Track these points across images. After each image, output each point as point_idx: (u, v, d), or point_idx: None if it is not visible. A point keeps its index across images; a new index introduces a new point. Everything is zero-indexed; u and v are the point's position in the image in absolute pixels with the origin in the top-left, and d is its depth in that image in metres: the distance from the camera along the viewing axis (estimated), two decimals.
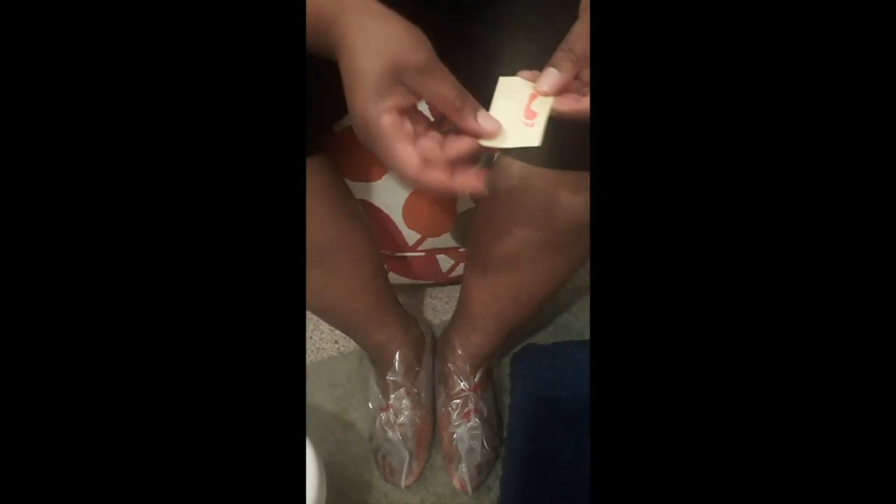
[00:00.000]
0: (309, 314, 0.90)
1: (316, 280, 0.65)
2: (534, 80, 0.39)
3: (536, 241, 0.60)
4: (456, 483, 0.78)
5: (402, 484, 0.78)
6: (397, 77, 0.36)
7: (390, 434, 0.79)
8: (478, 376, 0.81)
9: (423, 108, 0.66)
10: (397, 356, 0.80)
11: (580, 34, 0.39)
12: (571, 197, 0.54)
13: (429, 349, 0.86)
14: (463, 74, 0.39)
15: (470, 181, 0.37)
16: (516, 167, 0.56)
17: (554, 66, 0.38)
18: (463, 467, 0.78)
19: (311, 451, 0.60)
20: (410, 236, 0.82)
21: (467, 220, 0.78)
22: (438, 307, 1.00)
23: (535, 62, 0.40)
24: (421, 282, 0.95)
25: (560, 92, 0.38)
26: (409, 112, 0.38)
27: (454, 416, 0.80)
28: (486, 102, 0.40)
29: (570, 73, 0.38)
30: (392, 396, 0.81)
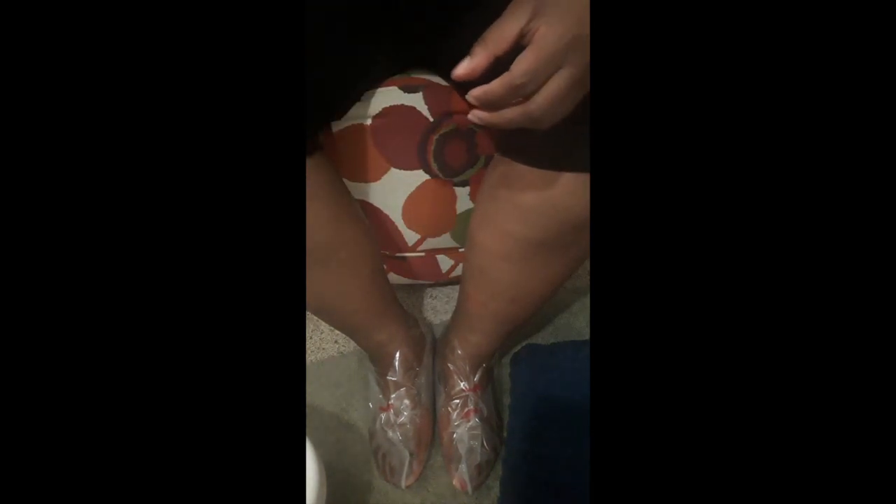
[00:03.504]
0: (309, 314, 0.90)
1: (316, 280, 0.65)
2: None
3: (535, 241, 0.60)
4: (456, 483, 0.79)
5: (403, 484, 0.78)
6: None
7: (390, 434, 0.79)
8: (477, 376, 0.81)
9: (422, 108, 0.66)
10: (397, 356, 0.80)
11: (497, 26, 0.39)
12: (570, 197, 0.54)
13: (429, 349, 0.86)
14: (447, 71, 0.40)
15: None
16: (515, 168, 0.56)
17: (469, 55, 0.39)
18: (463, 467, 0.78)
19: (311, 451, 0.60)
20: (410, 236, 0.82)
21: (467, 220, 0.78)
22: (438, 307, 1.00)
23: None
24: (421, 282, 0.95)
25: (470, 76, 0.39)
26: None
27: (454, 415, 0.80)
28: None
29: (482, 57, 0.38)
30: (392, 396, 0.81)
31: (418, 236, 0.82)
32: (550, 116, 0.41)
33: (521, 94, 0.39)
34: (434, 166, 0.72)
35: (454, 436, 0.79)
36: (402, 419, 0.80)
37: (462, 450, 0.78)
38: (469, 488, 0.78)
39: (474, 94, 0.39)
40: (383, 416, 0.81)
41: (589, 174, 0.51)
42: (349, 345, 0.95)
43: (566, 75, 0.39)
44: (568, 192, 0.54)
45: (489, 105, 0.40)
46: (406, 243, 0.83)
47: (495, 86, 0.39)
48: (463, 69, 0.39)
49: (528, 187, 0.56)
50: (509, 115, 0.40)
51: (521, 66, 0.38)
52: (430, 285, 1.02)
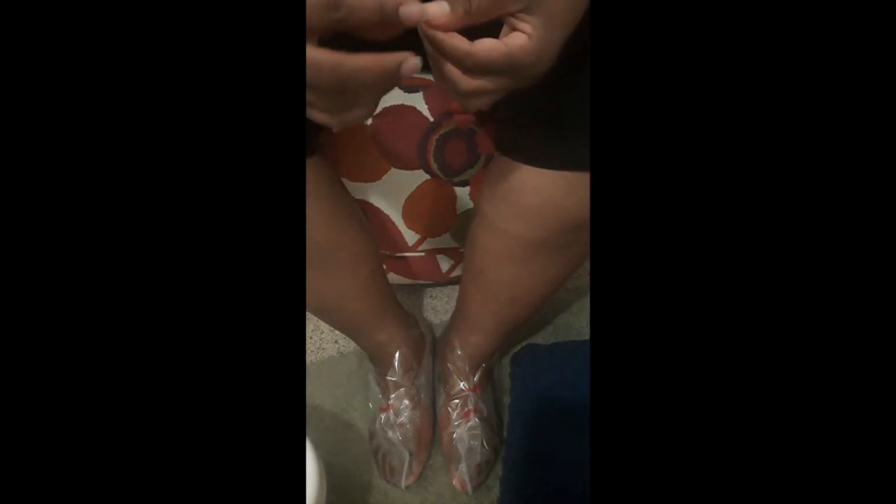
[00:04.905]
0: (309, 314, 0.90)
1: (316, 281, 0.65)
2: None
3: (534, 241, 0.60)
4: (456, 483, 0.79)
5: (402, 484, 0.78)
6: None
7: (390, 434, 0.79)
8: (477, 376, 0.81)
9: (422, 108, 0.66)
10: (397, 356, 0.80)
11: None
12: (569, 197, 0.54)
13: (429, 349, 0.86)
14: None
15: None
16: (514, 167, 0.56)
17: (448, 1, 0.35)
18: (463, 467, 0.78)
19: (311, 451, 0.60)
20: (410, 236, 0.82)
21: (467, 220, 0.78)
22: (438, 307, 1.00)
23: None
24: (421, 282, 0.95)
25: (445, 28, 0.35)
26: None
27: (454, 415, 0.80)
28: None
29: (461, 18, 0.35)
30: (392, 396, 0.81)
31: (418, 236, 0.82)
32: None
33: (467, 70, 0.37)
34: (434, 166, 0.72)
35: (454, 436, 0.79)
36: (401, 419, 0.80)
37: (462, 450, 0.78)
38: (469, 488, 0.78)
39: (437, 13, 0.35)
40: (383, 416, 0.81)
41: (589, 174, 0.51)
42: (349, 345, 0.95)
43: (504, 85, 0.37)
44: (568, 191, 0.54)
45: (428, 36, 0.36)
46: (406, 243, 0.83)
47: (445, 42, 0.35)
48: (437, 14, 0.35)
49: (529, 187, 0.56)
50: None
51: (486, 58, 0.35)
52: (430, 285, 1.02)
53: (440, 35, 0.36)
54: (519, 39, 0.35)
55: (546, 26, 0.35)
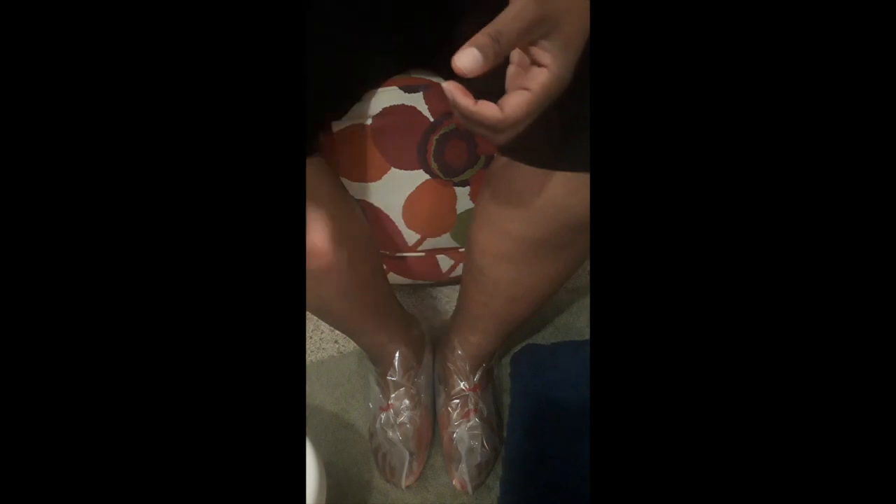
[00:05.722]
0: (309, 314, 0.90)
1: (315, 280, 0.65)
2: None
3: (534, 241, 0.60)
4: (456, 483, 0.79)
5: (403, 484, 0.78)
6: None
7: (390, 434, 0.79)
8: (477, 376, 0.81)
9: (422, 108, 0.66)
10: (397, 356, 0.80)
11: (508, 18, 0.34)
12: (570, 197, 0.54)
13: (429, 349, 0.86)
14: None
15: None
16: (515, 167, 0.56)
17: (477, 48, 0.33)
18: (463, 467, 0.78)
19: (311, 451, 0.60)
20: (410, 236, 0.82)
21: (467, 220, 0.78)
22: (438, 307, 1.00)
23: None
24: (421, 282, 0.95)
25: (477, 73, 0.34)
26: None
27: (454, 415, 0.80)
28: None
29: (492, 60, 0.34)
30: (392, 396, 0.81)
31: (418, 236, 0.82)
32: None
33: (505, 134, 0.38)
34: (434, 166, 0.72)
35: (454, 436, 0.80)
36: (401, 419, 0.80)
37: (462, 450, 0.78)
38: (469, 488, 0.78)
39: (470, 63, 0.34)
40: (383, 416, 0.81)
41: (589, 174, 0.51)
42: (349, 345, 0.95)
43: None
44: (568, 191, 0.54)
45: (459, 111, 0.37)
46: (406, 243, 0.83)
47: (478, 116, 0.36)
48: (468, 66, 0.33)
49: (529, 187, 0.56)
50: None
51: (520, 115, 0.36)
52: (430, 285, 1.02)
53: (470, 109, 0.36)
54: (541, 77, 0.36)
55: (565, 50, 0.36)
